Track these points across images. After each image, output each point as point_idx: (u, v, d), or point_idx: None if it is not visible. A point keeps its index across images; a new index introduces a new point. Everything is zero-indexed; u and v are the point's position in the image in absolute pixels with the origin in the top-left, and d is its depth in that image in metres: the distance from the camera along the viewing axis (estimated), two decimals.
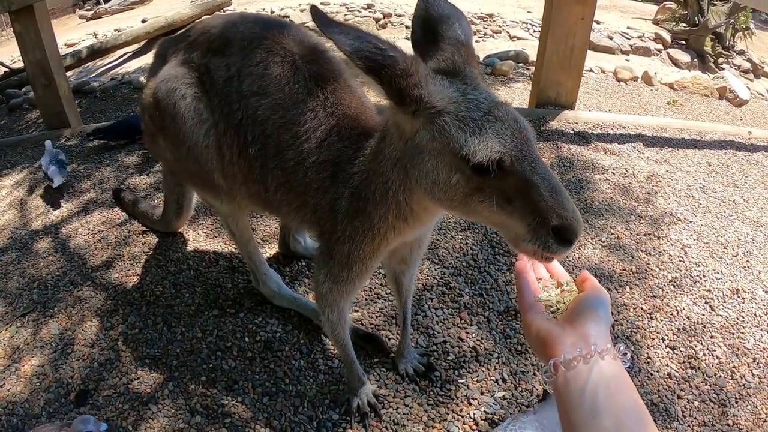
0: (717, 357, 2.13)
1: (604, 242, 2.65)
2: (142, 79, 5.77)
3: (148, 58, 7.06)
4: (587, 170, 3.20)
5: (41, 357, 2.11)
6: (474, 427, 1.81)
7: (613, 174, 3.18)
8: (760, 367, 2.11)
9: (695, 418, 1.91)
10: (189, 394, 1.94)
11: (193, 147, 1.71)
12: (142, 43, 7.43)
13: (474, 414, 1.85)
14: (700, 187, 3.16)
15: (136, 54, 7.32)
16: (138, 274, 2.48)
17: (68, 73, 5.42)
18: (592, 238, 2.67)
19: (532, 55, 5.95)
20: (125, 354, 2.09)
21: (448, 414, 1.86)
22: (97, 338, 2.16)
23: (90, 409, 1.89)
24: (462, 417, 1.85)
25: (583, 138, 3.55)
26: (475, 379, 1.97)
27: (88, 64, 6.91)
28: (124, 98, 5.35)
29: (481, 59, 6.16)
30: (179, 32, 2.01)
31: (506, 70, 5.62)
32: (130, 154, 3.53)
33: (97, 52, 6.87)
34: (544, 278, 1.03)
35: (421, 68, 1.06)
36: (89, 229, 2.80)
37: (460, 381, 1.96)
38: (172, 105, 1.69)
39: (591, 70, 6.00)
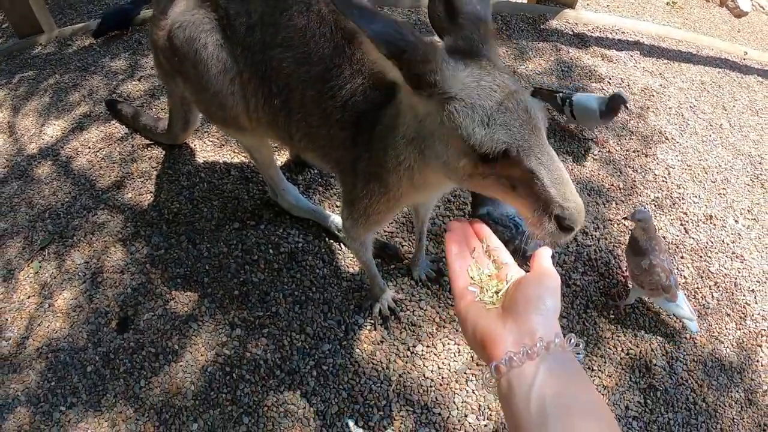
0: (684, 277, 2.32)
1: (596, 156, 2.73)
2: None
3: None
4: (585, 77, 3.19)
5: (72, 289, 2.14)
6: None
7: (610, 83, 3.18)
8: (719, 290, 2.31)
9: None
10: (225, 309, 2.04)
11: (217, 93, 1.66)
12: None
13: None
14: (690, 107, 3.19)
15: None
16: (151, 192, 2.46)
17: None
18: (584, 152, 2.74)
19: None
20: (156, 276, 2.16)
21: None
22: (125, 263, 2.20)
23: (133, 334, 1.99)
24: None
25: (582, 41, 3.47)
26: None
27: None
28: None
29: None
30: None
31: None
32: (116, 57, 3.31)
33: None
34: (477, 251, 0.94)
35: (437, 53, 1.05)
36: (90, 148, 2.70)
37: None
38: (192, 53, 1.60)
39: None
